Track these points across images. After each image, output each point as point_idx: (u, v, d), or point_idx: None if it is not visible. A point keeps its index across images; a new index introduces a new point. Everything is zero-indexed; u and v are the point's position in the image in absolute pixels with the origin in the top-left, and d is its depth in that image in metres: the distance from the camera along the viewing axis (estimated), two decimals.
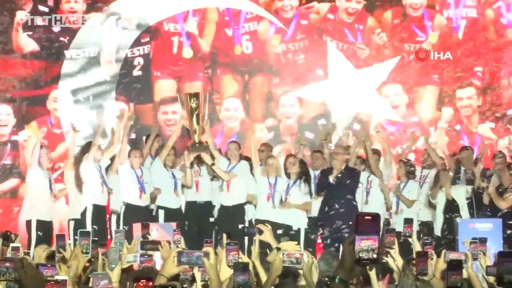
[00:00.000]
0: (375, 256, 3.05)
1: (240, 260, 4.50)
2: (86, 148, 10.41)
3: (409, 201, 10.53)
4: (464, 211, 10.32)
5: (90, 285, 4.85)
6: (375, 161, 10.77)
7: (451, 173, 10.75)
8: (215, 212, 10.68)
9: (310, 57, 13.06)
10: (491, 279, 5.42)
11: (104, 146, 10.78)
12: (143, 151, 10.72)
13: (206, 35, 13.16)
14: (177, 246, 6.22)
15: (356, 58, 12.98)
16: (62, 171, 11.35)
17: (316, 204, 10.53)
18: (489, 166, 10.82)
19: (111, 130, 11.07)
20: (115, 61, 13.12)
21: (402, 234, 6.43)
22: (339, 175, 10.25)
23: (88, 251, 5.20)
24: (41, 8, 13.14)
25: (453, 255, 5.19)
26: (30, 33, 13.11)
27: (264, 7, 13.12)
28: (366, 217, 3.08)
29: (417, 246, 6.04)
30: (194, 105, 10.10)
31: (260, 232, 5.73)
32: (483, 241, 5.86)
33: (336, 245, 9.67)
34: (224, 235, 6.39)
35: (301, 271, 4.66)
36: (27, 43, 13.10)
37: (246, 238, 9.00)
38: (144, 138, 11.53)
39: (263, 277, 5.06)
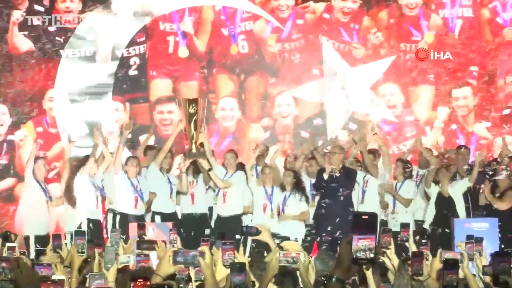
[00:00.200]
0: (372, 255, 3.05)
1: (236, 260, 4.48)
2: (83, 161, 10.17)
3: (405, 200, 10.53)
4: (460, 205, 10.33)
5: (87, 285, 4.85)
6: (371, 160, 10.77)
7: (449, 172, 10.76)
8: (212, 222, 10.57)
9: (306, 56, 13.06)
10: (487, 279, 5.42)
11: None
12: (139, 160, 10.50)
13: (202, 35, 13.15)
14: (173, 246, 6.20)
15: (352, 57, 12.97)
16: (57, 171, 11.29)
17: (313, 212, 10.47)
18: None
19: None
20: (111, 60, 13.11)
21: (398, 238, 6.41)
22: (336, 175, 10.25)
23: (83, 250, 5.18)
24: (37, 7, 13.11)
25: (449, 255, 5.18)
26: (26, 32, 13.08)
27: (260, 6, 13.12)
28: (363, 217, 3.09)
29: (413, 250, 6.02)
30: (192, 111, 9.88)
31: (258, 232, 5.71)
32: (479, 240, 5.84)
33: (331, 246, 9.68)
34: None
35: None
36: (23, 43, 13.08)
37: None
38: (140, 138, 11.47)
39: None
